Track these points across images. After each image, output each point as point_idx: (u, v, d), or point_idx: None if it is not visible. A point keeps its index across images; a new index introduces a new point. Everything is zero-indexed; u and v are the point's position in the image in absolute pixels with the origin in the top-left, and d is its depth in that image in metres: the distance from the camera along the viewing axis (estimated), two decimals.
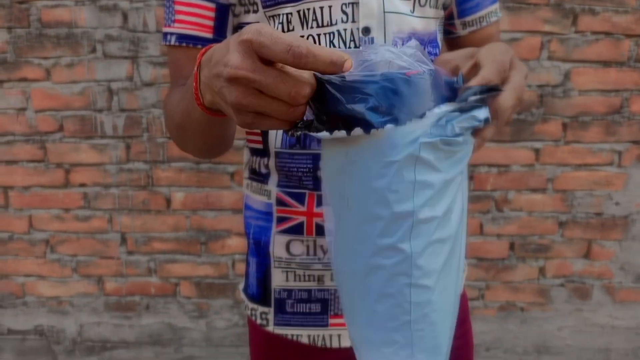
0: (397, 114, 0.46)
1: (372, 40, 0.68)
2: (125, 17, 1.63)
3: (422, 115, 0.47)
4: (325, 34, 0.68)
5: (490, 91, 0.51)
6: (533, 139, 1.66)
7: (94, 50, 1.65)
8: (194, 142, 0.67)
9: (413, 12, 0.69)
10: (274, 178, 0.75)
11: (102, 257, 1.80)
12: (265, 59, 0.43)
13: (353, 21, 0.67)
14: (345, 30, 0.67)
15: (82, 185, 1.75)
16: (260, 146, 0.76)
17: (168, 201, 1.75)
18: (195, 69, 0.51)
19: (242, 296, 0.85)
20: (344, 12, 0.67)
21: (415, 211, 0.49)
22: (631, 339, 1.80)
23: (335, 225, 0.54)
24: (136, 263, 1.80)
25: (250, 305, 0.81)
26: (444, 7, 0.76)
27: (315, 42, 0.68)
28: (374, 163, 0.48)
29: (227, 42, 0.46)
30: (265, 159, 0.75)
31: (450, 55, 0.59)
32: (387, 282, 0.51)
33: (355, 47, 0.68)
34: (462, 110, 0.49)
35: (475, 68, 0.54)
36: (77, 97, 1.68)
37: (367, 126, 0.46)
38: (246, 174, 0.81)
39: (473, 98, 0.50)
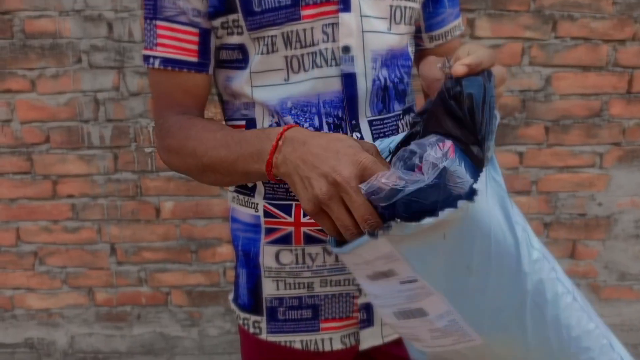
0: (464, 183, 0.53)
1: (351, 59, 0.71)
2: (110, 27, 1.63)
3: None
4: (308, 54, 0.71)
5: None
6: (516, 142, 1.69)
7: (79, 61, 1.65)
8: (219, 180, 0.72)
9: (390, 29, 0.73)
10: (260, 191, 0.76)
11: (92, 268, 1.80)
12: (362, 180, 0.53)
13: (333, 41, 0.70)
14: (326, 49, 0.71)
15: (70, 196, 1.74)
16: None
17: (157, 210, 1.75)
18: (276, 141, 0.60)
19: (233, 306, 0.86)
20: (325, 33, 0.70)
21: (524, 225, 0.59)
22: (616, 336, 1.84)
23: (455, 302, 0.58)
24: (126, 273, 1.80)
25: (242, 315, 0.83)
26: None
27: (299, 62, 0.71)
28: (487, 218, 0.54)
29: (334, 146, 0.56)
30: None
31: (428, 65, 0.68)
32: (547, 290, 0.59)
33: (336, 64, 0.71)
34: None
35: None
36: (63, 108, 1.68)
37: (464, 198, 0.52)
38: (231, 187, 0.83)
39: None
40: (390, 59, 0.75)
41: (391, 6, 0.72)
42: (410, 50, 0.80)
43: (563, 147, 1.70)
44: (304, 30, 0.69)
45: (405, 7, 0.74)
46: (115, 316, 1.84)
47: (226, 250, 1.78)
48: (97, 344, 1.86)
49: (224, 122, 0.80)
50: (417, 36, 0.85)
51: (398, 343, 0.82)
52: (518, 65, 1.63)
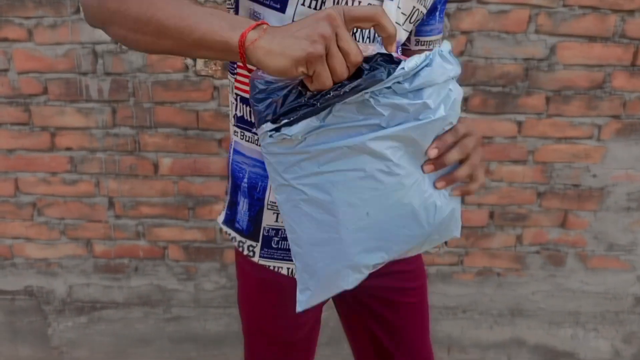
0: None
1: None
2: None
3: None
4: None
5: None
6: (516, 111, 1.69)
7: (77, 11, 1.61)
8: (156, 44, 0.64)
9: (403, 25, 0.82)
10: None
11: (90, 221, 1.82)
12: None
13: None
14: (368, 29, 0.74)
15: (68, 149, 1.74)
16: None
17: (155, 166, 1.76)
18: (258, 23, 0.59)
19: (226, 228, 0.94)
20: None
21: None
22: (600, 303, 1.90)
23: None
24: (124, 227, 1.82)
25: (238, 237, 0.91)
26: None
27: None
28: None
29: (310, 17, 0.57)
30: None
31: None
32: None
33: (370, 43, 0.78)
34: None
35: None
36: (61, 59, 1.65)
37: None
38: (234, 121, 0.87)
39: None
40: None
41: (414, 7, 0.81)
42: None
43: (562, 117, 1.70)
44: (352, 2, 0.74)
45: (420, 12, 0.84)
46: (113, 268, 1.88)
47: (222, 208, 1.80)
48: (95, 294, 1.90)
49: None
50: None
51: (382, 274, 0.88)
52: (524, 32, 1.61)
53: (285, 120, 0.59)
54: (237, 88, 0.85)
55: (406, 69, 0.59)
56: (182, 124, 1.71)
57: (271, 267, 0.90)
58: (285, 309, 0.91)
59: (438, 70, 0.60)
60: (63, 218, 1.82)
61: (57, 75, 1.67)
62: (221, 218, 0.95)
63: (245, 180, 0.87)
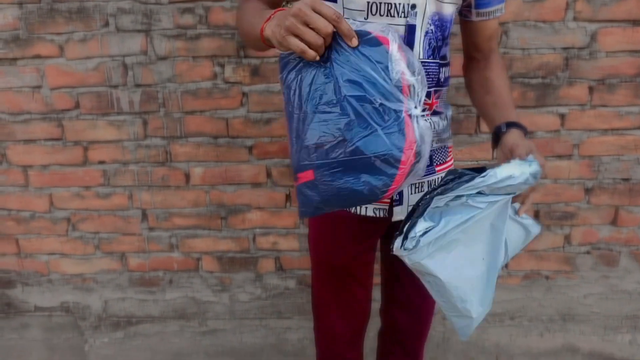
0: None
1: (415, 14, 0.94)
2: None
3: None
4: (385, 4, 0.93)
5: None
6: (558, 103, 1.61)
7: (106, 25, 1.62)
8: (246, 39, 1.00)
9: (445, 1, 0.97)
10: None
11: (124, 234, 1.81)
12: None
13: None
14: (400, 4, 0.93)
15: (101, 162, 1.74)
16: None
17: (187, 176, 1.74)
18: (270, 15, 0.85)
19: None
20: None
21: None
22: None
23: None
24: (158, 239, 1.81)
25: None
26: None
27: (377, 8, 0.94)
28: None
29: (287, 11, 0.79)
30: None
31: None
32: None
33: (405, 16, 0.94)
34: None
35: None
36: (92, 73, 1.66)
37: None
38: None
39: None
40: (438, 20, 0.98)
41: None
42: (453, 17, 1.02)
43: (608, 108, 1.61)
44: None
45: None
46: (148, 281, 1.85)
47: (255, 217, 1.76)
48: (131, 308, 1.88)
49: None
50: (467, 9, 1.06)
51: None
52: (561, 21, 1.54)
53: (407, 225, 0.88)
54: None
55: (488, 181, 0.84)
56: (212, 132, 1.69)
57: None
58: (340, 239, 1.16)
59: (519, 183, 0.85)
60: (97, 232, 1.81)
61: (88, 89, 1.68)
62: None
63: None
